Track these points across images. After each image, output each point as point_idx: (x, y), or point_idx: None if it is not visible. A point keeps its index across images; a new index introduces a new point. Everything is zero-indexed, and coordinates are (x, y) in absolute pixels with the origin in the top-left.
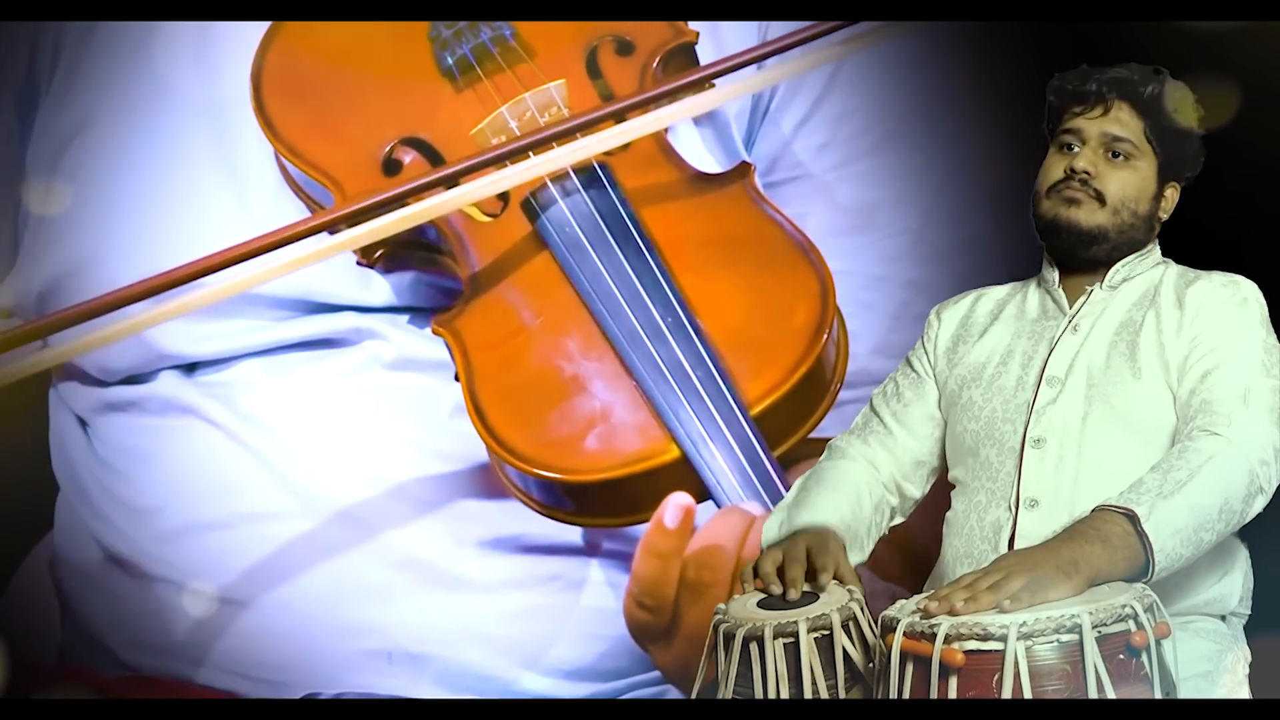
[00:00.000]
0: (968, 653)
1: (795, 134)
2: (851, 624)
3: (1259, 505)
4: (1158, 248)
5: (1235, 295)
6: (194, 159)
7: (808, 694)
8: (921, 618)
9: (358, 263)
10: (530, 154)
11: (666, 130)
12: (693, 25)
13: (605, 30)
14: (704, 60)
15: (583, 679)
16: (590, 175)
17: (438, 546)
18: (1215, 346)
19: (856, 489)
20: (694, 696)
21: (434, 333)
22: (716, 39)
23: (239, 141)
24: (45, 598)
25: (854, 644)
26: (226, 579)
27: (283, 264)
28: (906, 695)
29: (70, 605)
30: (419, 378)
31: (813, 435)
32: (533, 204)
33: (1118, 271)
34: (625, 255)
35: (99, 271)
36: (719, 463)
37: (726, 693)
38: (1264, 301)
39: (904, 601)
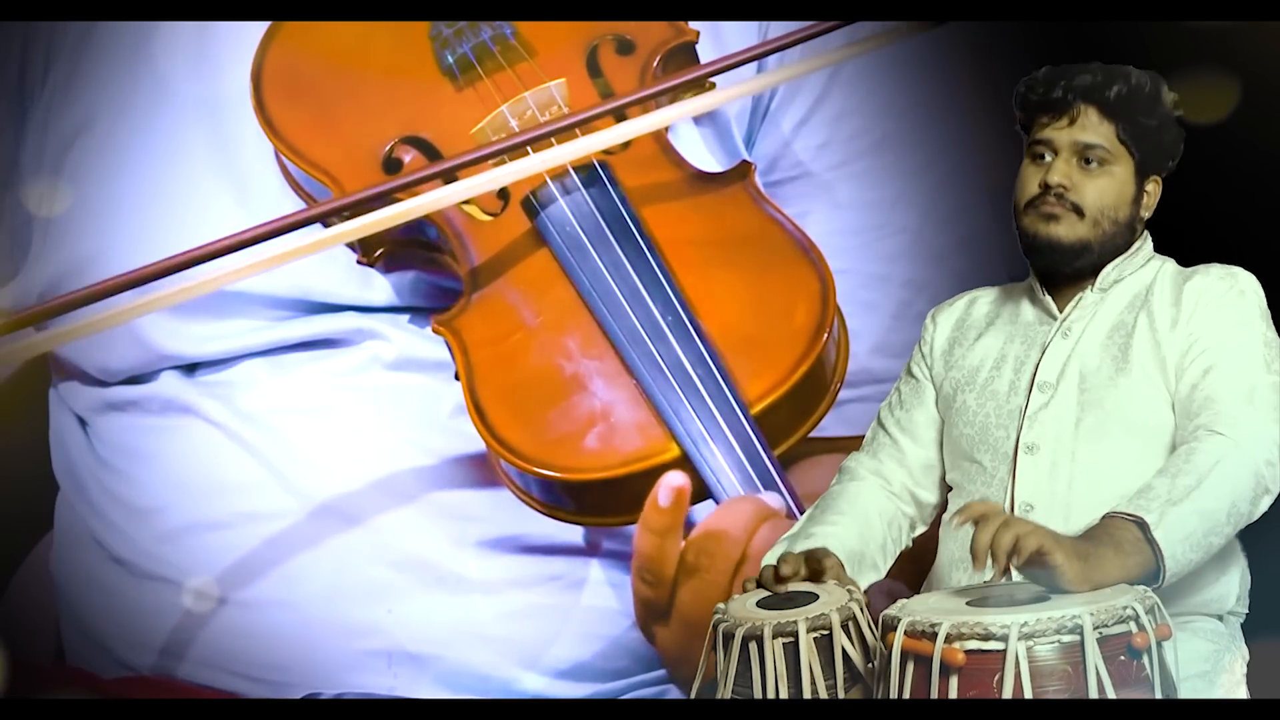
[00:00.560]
0: (968, 652)
1: (795, 134)
2: (851, 624)
3: (1265, 505)
4: (1148, 242)
5: (1233, 288)
6: (194, 159)
7: (807, 694)
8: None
9: (358, 261)
10: (529, 151)
11: (667, 130)
12: (693, 25)
13: (606, 30)
14: (704, 60)
15: (583, 679)
16: (590, 174)
17: (437, 546)
18: (1215, 342)
19: (864, 510)
20: (693, 696)
21: (434, 331)
22: (717, 39)
23: (239, 141)
24: (45, 598)
25: (854, 644)
26: (227, 578)
27: (276, 256)
28: (906, 695)
29: (70, 605)
30: (420, 378)
31: (813, 434)
32: (533, 203)
33: (1108, 274)
34: (626, 254)
35: (98, 272)
36: (719, 461)
37: (726, 692)
38: (1262, 293)
39: (904, 601)
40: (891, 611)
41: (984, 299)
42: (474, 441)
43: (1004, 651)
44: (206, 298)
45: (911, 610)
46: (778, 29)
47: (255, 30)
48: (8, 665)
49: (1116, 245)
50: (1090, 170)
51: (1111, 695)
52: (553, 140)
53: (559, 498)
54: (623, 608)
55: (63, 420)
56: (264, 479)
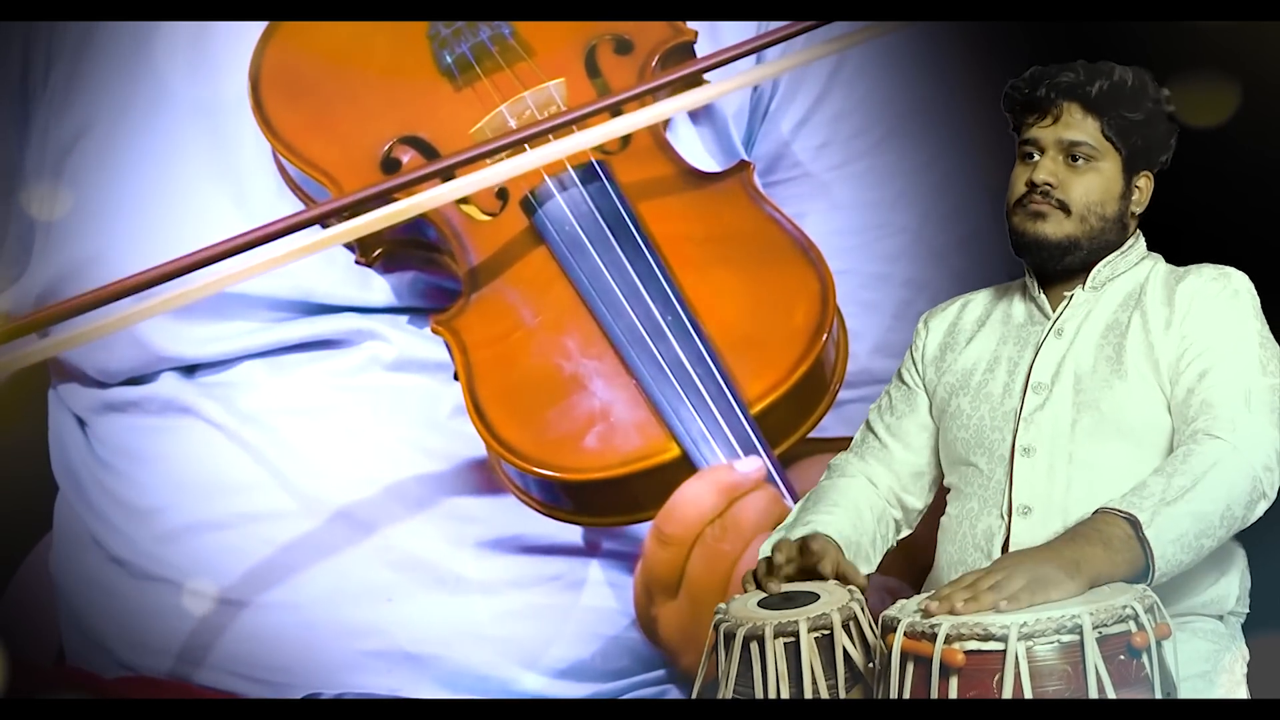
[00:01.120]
0: (968, 653)
1: (795, 134)
2: (852, 624)
3: (1261, 510)
4: (1141, 241)
5: (1227, 288)
6: (192, 160)
7: (808, 694)
8: (922, 617)
9: (356, 262)
10: (527, 149)
11: (665, 128)
12: (691, 25)
13: (604, 30)
14: None
15: (582, 679)
16: (588, 172)
17: (437, 546)
18: (1210, 344)
19: (855, 503)
20: (694, 696)
21: (433, 331)
22: (715, 39)
23: (237, 142)
24: (45, 598)
25: (854, 644)
26: (226, 579)
27: (274, 257)
28: (907, 695)
29: (70, 606)
30: (419, 378)
31: (813, 435)
32: (531, 202)
33: (1100, 272)
34: (624, 253)
35: (97, 273)
36: (719, 461)
37: (727, 692)
38: (1255, 292)
39: (904, 601)
40: (891, 612)
41: (976, 301)
42: (474, 442)
43: (1004, 652)
44: (206, 299)
45: (907, 610)
46: (776, 29)
47: (253, 33)
48: (8, 665)
49: (1107, 242)
50: (1077, 167)
51: (1111, 695)
52: (550, 138)
53: (558, 497)
54: (622, 607)
55: (62, 421)
56: (264, 480)
